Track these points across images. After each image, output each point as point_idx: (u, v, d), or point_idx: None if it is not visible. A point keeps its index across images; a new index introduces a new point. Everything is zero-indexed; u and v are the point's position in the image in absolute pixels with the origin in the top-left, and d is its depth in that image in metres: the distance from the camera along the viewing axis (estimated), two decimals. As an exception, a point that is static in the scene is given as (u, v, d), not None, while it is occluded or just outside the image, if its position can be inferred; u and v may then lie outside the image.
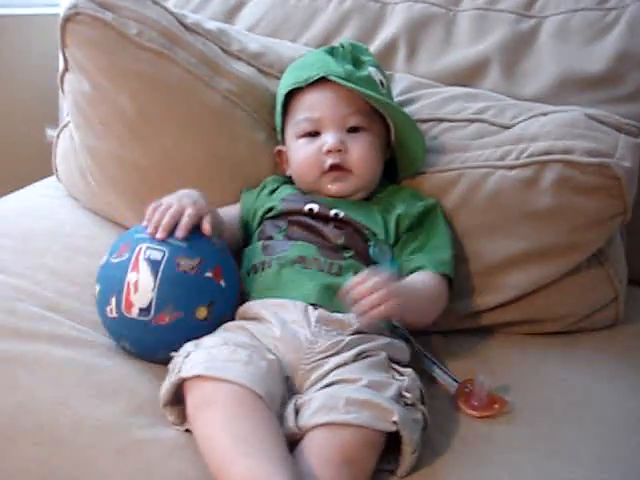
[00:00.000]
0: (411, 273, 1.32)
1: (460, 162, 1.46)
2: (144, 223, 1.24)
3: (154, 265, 1.18)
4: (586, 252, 1.44)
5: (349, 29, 1.76)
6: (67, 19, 1.45)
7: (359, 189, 1.41)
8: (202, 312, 1.20)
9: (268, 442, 1.02)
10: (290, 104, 1.46)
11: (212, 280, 1.21)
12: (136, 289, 1.18)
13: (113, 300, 1.19)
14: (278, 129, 1.51)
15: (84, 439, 1.06)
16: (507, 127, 1.50)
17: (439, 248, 1.36)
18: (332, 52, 1.46)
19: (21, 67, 2.17)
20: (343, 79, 1.37)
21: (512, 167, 1.42)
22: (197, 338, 1.16)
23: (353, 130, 1.40)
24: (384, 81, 1.46)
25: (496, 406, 1.24)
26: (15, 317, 1.23)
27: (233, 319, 1.25)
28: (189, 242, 1.21)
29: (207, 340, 1.15)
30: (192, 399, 1.08)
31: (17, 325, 1.22)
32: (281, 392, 1.11)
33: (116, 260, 1.22)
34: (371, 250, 1.33)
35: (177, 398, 1.11)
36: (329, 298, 1.24)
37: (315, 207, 1.37)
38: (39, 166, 1.84)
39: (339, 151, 1.37)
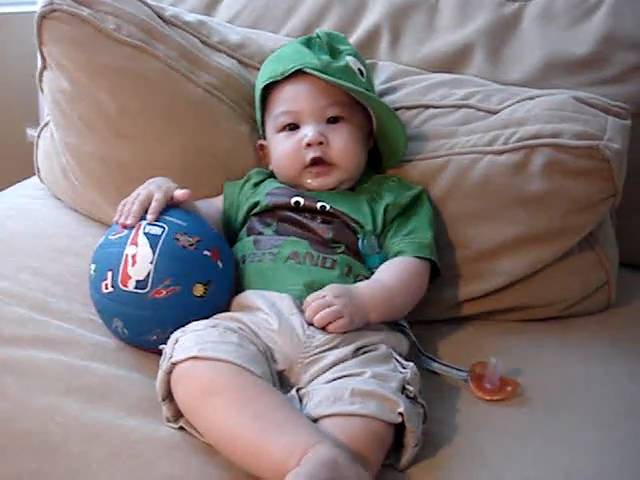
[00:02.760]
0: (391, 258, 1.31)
1: (447, 148, 1.45)
2: (115, 218, 1.24)
3: (153, 239, 1.18)
4: (577, 236, 1.43)
5: (331, 18, 1.74)
6: (43, 16, 1.43)
7: (342, 182, 1.40)
8: (199, 289, 1.19)
9: (292, 415, 1.02)
10: (268, 98, 1.44)
11: (210, 259, 1.21)
12: (134, 262, 1.17)
13: (109, 274, 1.18)
14: (258, 123, 1.50)
15: (76, 444, 1.04)
16: (494, 112, 1.49)
17: (419, 230, 1.35)
18: (308, 43, 1.43)
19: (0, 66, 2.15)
20: (319, 71, 1.36)
21: (501, 152, 1.41)
22: (192, 318, 1.16)
23: (333, 121, 1.38)
24: (363, 70, 1.44)
25: (509, 388, 1.24)
26: (1, 321, 1.22)
27: (227, 310, 1.24)
28: (188, 222, 1.23)
29: (195, 324, 1.13)
30: (188, 385, 1.06)
31: (3, 330, 1.20)
32: (271, 380, 1.09)
33: (114, 237, 1.22)
34: (360, 243, 1.32)
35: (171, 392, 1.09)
36: None
37: (301, 200, 1.35)
38: (20, 167, 1.83)
39: (320, 144, 1.36)
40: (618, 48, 1.60)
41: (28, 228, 1.52)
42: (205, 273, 1.20)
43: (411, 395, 1.10)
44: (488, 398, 1.23)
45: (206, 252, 1.21)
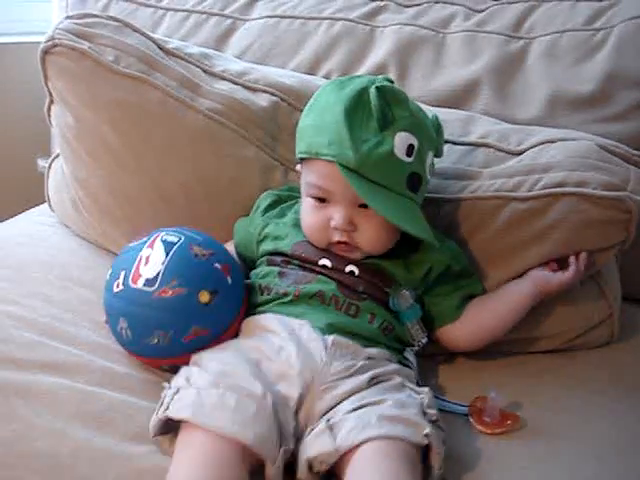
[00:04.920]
0: (469, 298, 1.39)
1: (471, 191, 1.43)
2: None
3: (169, 245, 1.24)
4: (585, 275, 1.44)
5: (339, 53, 1.75)
6: (45, 51, 1.45)
7: (369, 256, 1.33)
8: (205, 296, 1.22)
9: None
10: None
11: (220, 272, 1.25)
12: (147, 262, 1.23)
13: (122, 274, 1.24)
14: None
15: (83, 468, 1.05)
16: (513, 153, 1.48)
17: (466, 271, 1.40)
18: (355, 111, 1.25)
19: (13, 96, 2.16)
20: (353, 171, 1.23)
21: (525, 199, 1.39)
22: (195, 324, 1.20)
23: (365, 205, 1.27)
24: (415, 144, 1.27)
25: (509, 422, 1.25)
26: (11, 345, 1.23)
27: (232, 327, 1.25)
28: (204, 238, 1.28)
29: (198, 378, 1.13)
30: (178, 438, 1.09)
31: (13, 353, 1.21)
32: (276, 430, 1.09)
33: (133, 243, 1.29)
34: (390, 302, 1.30)
35: (168, 426, 1.11)
36: (343, 336, 1.22)
37: (328, 264, 1.32)
38: (31, 197, 1.84)
39: (347, 229, 1.29)
40: (622, 86, 1.62)
41: (39, 256, 1.53)
42: (213, 282, 1.23)
43: (433, 418, 1.12)
44: (489, 432, 1.24)
45: (217, 264, 1.25)
